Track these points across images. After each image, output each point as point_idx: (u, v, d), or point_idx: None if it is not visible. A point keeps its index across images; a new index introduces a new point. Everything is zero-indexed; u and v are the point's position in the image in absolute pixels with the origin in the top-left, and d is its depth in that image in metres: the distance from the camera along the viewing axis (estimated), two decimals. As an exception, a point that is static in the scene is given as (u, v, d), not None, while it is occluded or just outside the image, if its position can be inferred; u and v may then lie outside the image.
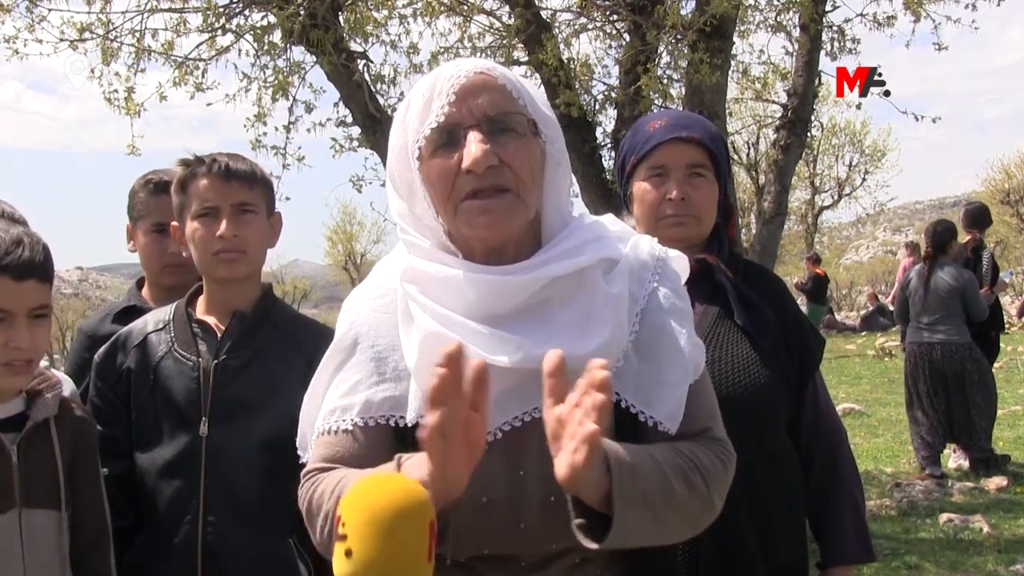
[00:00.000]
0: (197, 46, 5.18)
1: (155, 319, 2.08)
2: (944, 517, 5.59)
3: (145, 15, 5.04)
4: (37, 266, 1.70)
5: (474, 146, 1.24)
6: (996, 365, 12.88)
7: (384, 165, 5.15)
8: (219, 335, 2.01)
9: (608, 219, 1.44)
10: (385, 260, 1.45)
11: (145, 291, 2.52)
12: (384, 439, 1.31)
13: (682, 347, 1.34)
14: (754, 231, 7.57)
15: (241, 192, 1.99)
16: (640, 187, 1.93)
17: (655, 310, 1.34)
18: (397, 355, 1.32)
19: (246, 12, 5.24)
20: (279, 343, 2.02)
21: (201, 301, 2.08)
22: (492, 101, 1.27)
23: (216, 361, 1.97)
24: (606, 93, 5.82)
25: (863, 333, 18.52)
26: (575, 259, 1.31)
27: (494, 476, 1.24)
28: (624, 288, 1.32)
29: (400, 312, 1.33)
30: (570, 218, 1.38)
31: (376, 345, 1.34)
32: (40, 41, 4.93)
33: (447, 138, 1.26)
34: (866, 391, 11.31)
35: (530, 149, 1.29)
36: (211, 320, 2.03)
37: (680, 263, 1.46)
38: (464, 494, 1.19)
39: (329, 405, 1.35)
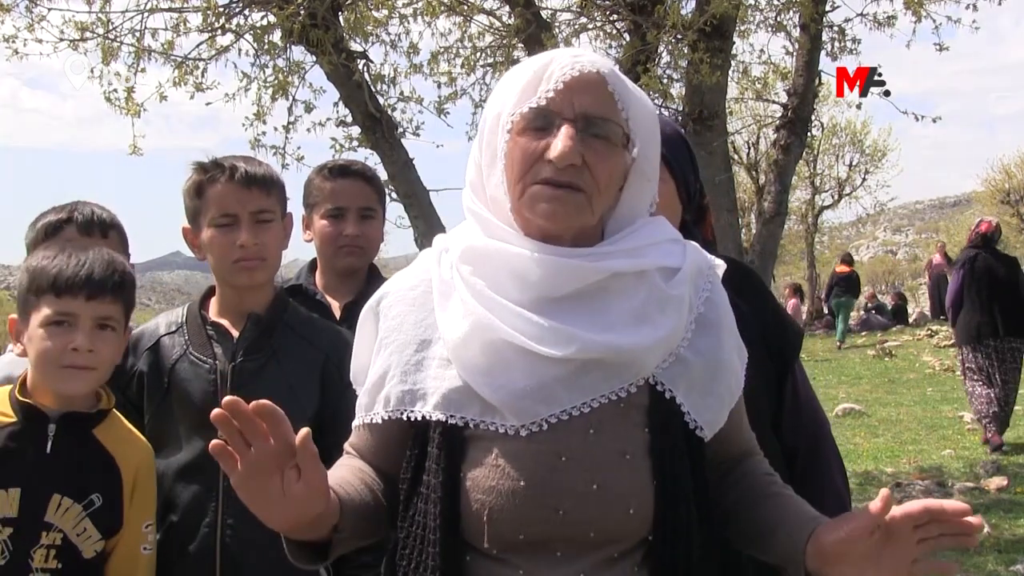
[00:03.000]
0: (197, 46, 5.18)
1: (167, 321, 2.07)
2: (944, 517, 5.58)
3: (145, 15, 5.05)
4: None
5: (563, 140, 1.25)
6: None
7: (384, 165, 5.17)
8: (234, 338, 2.00)
9: (665, 222, 1.44)
10: (428, 252, 1.45)
11: (317, 277, 2.55)
12: (397, 432, 1.35)
13: (730, 359, 1.38)
14: (754, 231, 7.56)
15: (260, 199, 1.98)
16: None
17: (709, 318, 1.37)
18: (411, 349, 1.34)
19: (246, 12, 5.24)
20: (294, 345, 2.01)
21: (213, 303, 2.08)
22: (595, 102, 1.28)
23: (233, 364, 1.96)
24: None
25: (863, 333, 18.51)
26: (637, 259, 1.32)
27: (534, 461, 1.25)
28: (684, 292, 1.34)
29: (438, 294, 1.34)
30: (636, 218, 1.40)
31: (398, 340, 1.36)
32: (40, 41, 4.93)
33: (542, 121, 1.28)
34: (866, 391, 11.31)
35: (616, 160, 1.30)
36: (225, 323, 2.03)
37: (721, 271, 1.47)
38: (500, 478, 1.24)
39: (360, 395, 1.41)
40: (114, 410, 1.86)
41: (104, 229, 2.19)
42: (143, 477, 1.85)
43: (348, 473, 1.34)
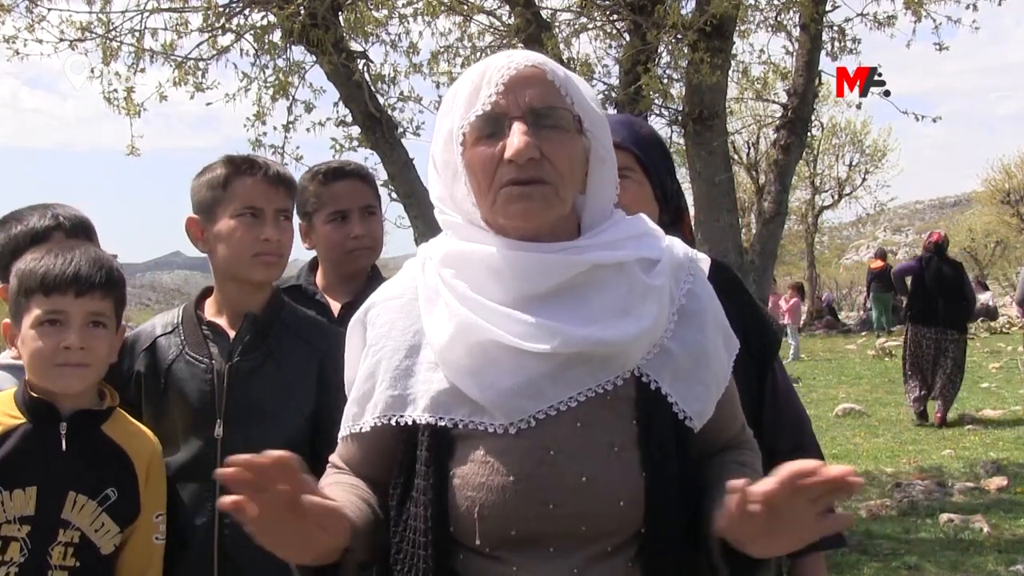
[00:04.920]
0: (197, 46, 5.19)
1: (163, 322, 2.07)
2: (944, 517, 5.58)
3: (145, 15, 5.05)
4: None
5: (517, 137, 1.26)
6: (996, 365, 12.95)
7: (384, 165, 5.17)
8: (231, 337, 2.00)
9: (643, 217, 1.45)
10: (412, 261, 1.45)
11: (318, 277, 2.54)
12: (386, 438, 1.34)
13: (716, 350, 1.38)
14: (754, 231, 7.57)
15: (284, 199, 2.02)
16: None
17: (692, 309, 1.37)
18: (400, 355, 1.34)
19: (246, 12, 5.25)
20: (291, 345, 2.02)
21: (209, 303, 2.08)
22: (539, 94, 1.29)
23: (229, 363, 1.96)
24: (606, 93, 5.82)
25: (863, 333, 18.53)
26: (616, 251, 1.33)
27: (523, 456, 1.25)
28: (665, 283, 1.34)
29: (424, 299, 1.35)
30: (612, 212, 1.41)
31: (386, 347, 1.36)
32: (40, 41, 4.93)
33: (492, 127, 1.28)
34: (866, 391, 11.31)
35: (572, 145, 1.31)
36: (221, 322, 2.03)
37: (706, 265, 1.47)
38: (490, 474, 1.24)
39: (347, 406, 1.40)
40: (118, 407, 1.87)
41: (88, 232, 2.18)
42: (155, 468, 1.87)
43: (344, 492, 1.33)
